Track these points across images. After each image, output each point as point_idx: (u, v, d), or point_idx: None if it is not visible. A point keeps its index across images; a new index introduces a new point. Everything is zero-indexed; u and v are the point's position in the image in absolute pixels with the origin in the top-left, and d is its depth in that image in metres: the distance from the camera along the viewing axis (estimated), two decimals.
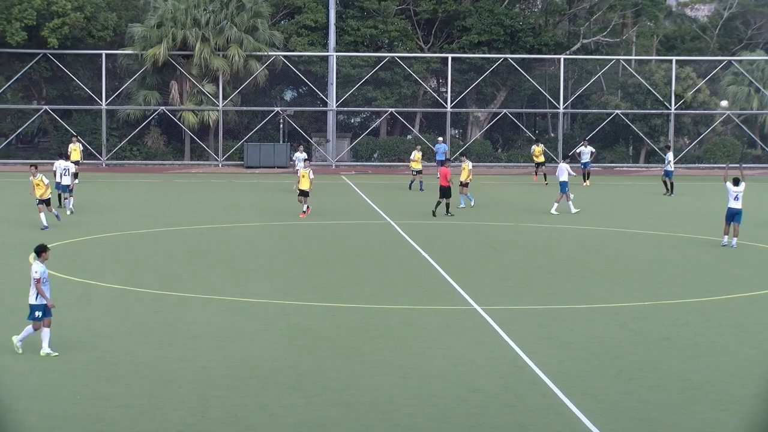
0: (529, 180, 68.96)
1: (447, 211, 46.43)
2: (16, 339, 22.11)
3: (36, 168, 42.29)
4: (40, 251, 22.41)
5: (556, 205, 47.91)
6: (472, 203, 49.40)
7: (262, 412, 18.30)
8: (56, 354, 21.71)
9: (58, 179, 46.50)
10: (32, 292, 22.03)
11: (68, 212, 45.36)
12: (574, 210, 47.70)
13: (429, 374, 20.69)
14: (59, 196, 46.98)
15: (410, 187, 59.22)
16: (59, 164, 46.78)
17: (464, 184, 49.46)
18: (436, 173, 63.79)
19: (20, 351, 21.92)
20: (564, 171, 48.63)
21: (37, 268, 22.03)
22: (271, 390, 19.49)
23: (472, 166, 51.63)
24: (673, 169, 60.12)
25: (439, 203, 46.54)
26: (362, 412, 18.36)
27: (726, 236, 38.58)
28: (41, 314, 21.94)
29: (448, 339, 23.74)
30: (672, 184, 58.94)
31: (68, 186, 46.32)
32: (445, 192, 46.38)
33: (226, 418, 17.95)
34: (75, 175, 47.20)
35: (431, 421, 17.97)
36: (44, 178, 41.31)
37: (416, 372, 20.84)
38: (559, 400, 19.17)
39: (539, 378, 20.33)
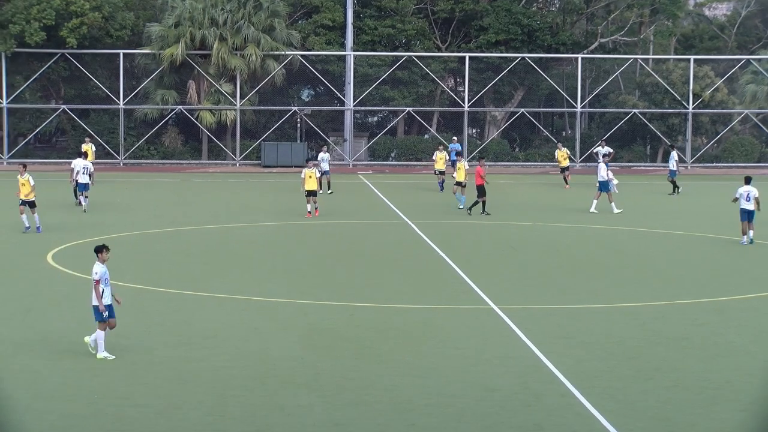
0: (547, 179, 68.93)
1: (483, 210, 46.35)
2: (89, 339, 21.92)
3: (25, 167, 41.19)
4: (98, 251, 22.11)
5: (613, 205, 47.77)
6: (461, 206, 48.69)
7: (279, 411, 18.31)
8: (113, 357, 21.66)
9: (75, 177, 46.65)
10: (93, 293, 21.80)
11: (83, 210, 45.52)
12: (593, 209, 47.66)
13: (446, 374, 20.66)
14: (75, 192, 47.29)
15: (441, 189, 58.28)
16: (77, 163, 46.89)
17: (460, 184, 49.29)
18: (451, 173, 63.80)
19: (93, 352, 21.68)
20: (600, 170, 48.55)
21: (97, 269, 21.77)
22: (288, 389, 19.50)
23: (469, 166, 51.47)
24: (675, 168, 58.50)
25: (476, 202, 46.55)
26: (380, 412, 18.36)
27: (744, 236, 38.58)
28: (108, 314, 21.73)
29: (465, 339, 23.71)
30: (674, 182, 58.16)
31: (86, 185, 46.43)
32: (481, 190, 46.32)
33: (244, 418, 17.96)
34: (91, 175, 47.20)
35: (449, 421, 17.95)
36: (31, 179, 40.03)
37: (434, 372, 20.82)
38: (576, 399, 19.13)
39: (557, 377, 20.29)
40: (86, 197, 46.36)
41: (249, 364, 21.27)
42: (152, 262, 33.95)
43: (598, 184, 48.68)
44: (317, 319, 25.66)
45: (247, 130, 79.28)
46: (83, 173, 46.49)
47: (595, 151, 64.25)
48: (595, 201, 48.11)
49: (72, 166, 47.53)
